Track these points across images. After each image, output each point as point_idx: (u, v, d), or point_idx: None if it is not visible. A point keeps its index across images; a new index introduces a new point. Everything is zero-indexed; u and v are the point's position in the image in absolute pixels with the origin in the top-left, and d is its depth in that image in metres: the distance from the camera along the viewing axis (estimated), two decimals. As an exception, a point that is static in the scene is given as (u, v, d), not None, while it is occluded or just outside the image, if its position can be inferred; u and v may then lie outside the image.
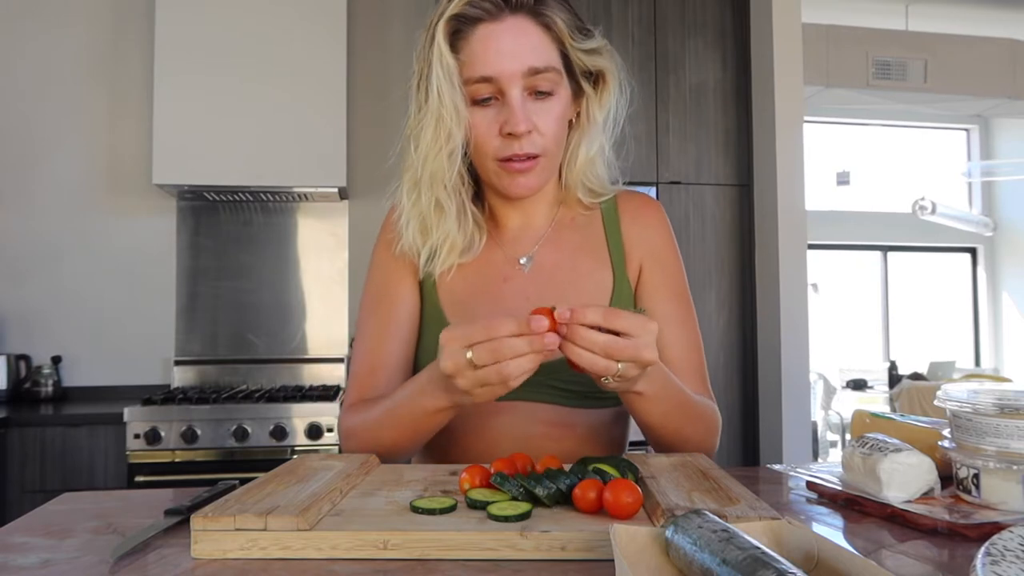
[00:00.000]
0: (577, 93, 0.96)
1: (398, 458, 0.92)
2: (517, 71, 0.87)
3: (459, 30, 0.88)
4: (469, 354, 0.73)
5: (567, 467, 0.72)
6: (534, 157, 0.91)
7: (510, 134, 0.88)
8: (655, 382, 0.82)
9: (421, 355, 1.01)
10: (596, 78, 0.97)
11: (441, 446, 0.98)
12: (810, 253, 2.90)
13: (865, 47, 4.49)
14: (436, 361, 0.80)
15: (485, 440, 0.95)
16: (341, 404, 2.51)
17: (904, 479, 0.71)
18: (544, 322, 0.72)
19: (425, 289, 1.01)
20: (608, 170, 1.03)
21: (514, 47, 0.88)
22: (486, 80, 0.88)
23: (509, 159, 0.90)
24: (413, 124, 0.94)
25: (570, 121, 0.98)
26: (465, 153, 0.93)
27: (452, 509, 0.64)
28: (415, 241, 0.97)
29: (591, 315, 0.72)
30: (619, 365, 0.73)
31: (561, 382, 0.94)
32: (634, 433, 1.10)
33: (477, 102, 0.90)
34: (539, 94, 0.90)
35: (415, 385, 0.87)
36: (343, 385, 2.99)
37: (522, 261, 1.00)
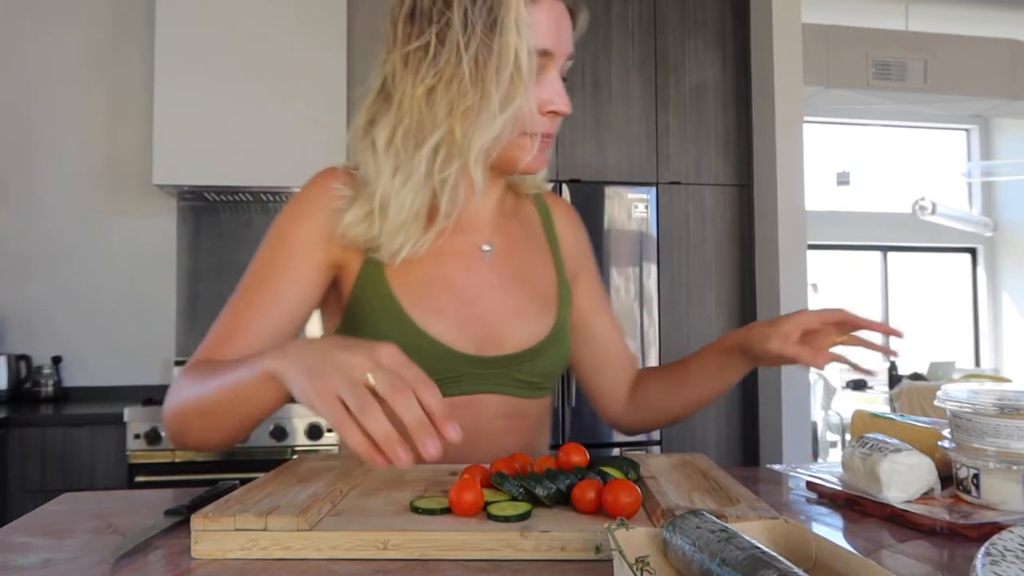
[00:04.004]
0: None
1: (212, 440, 0.79)
2: (566, 52, 0.89)
3: None
4: (371, 377, 0.61)
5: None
6: (553, 136, 0.93)
7: (553, 112, 0.89)
8: None
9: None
10: None
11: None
12: (810, 253, 2.90)
13: (865, 47, 4.49)
14: (311, 339, 0.69)
15: (442, 438, 0.88)
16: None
17: (904, 479, 0.71)
18: (434, 447, 0.59)
19: (367, 277, 0.90)
20: None
21: (567, 30, 0.90)
22: (543, 54, 0.87)
23: (540, 135, 0.90)
24: (460, 80, 0.82)
25: None
26: None
27: (452, 509, 0.64)
28: (401, 227, 0.85)
29: None
30: None
31: (521, 372, 0.94)
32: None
33: None
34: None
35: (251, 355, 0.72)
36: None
37: (485, 248, 0.97)
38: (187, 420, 0.78)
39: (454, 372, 0.89)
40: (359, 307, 0.90)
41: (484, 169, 0.87)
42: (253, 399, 0.72)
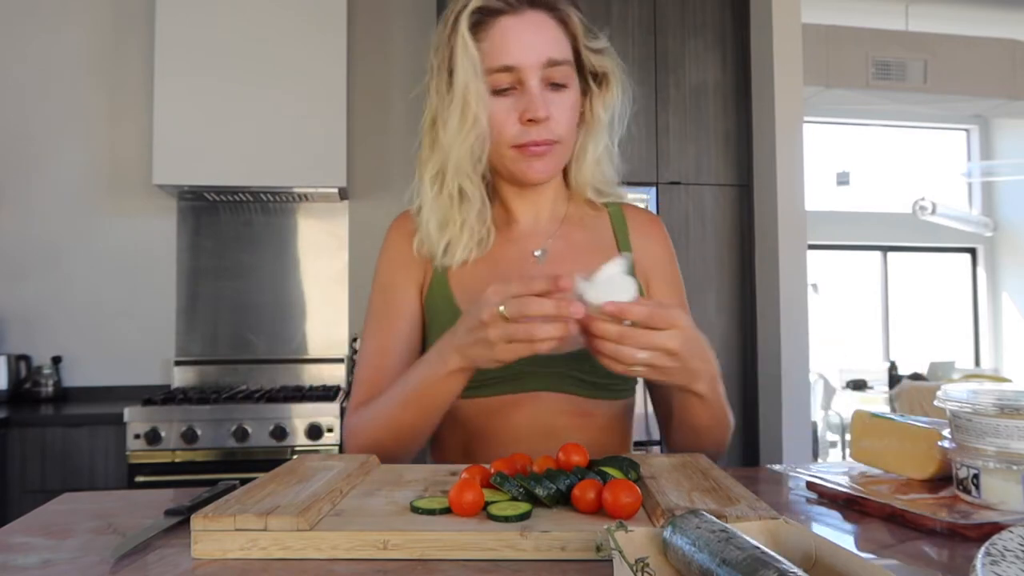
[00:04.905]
0: (584, 91, 1.00)
1: (408, 446, 0.93)
2: (537, 62, 0.92)
3: (480, 22, 0.93)
4: (502, 308, 0.75)
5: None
6: (551, 143, 0.95)
7: (530, 120, 0.92)
8: (712, 386, 0.85)
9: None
10: (600, 78, 1.01)
11: (462, 442, 0.98)
12: (810, 253, 2.90)
13: (865, 47, 4.49)
14: (452, 329, 0.84)
15: (508, 434, 0.96)
16: (342, 406, 2.51)
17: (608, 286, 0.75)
18: (576, 308, 0.74)
19: (435, 286, 1.02)
20: (615, 171, 1.07)
21: (535, 39, 0.93)
22: (507, 70, 0.92)
23: (526, 145, 0.94)
24: (437, 114, 0.96)
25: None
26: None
27: (452, 509, 0.64)
28: (433, 234, 0.99)
29: (607, 307, 0.75)
30: (642, 354, 0.75)
31: (582, 372, 0.96)
32: (635, 432, 1.11)
33: (496, 92, 0.93)
34: (554, 85, 0.94)
35: (424, 360, 0.89)
36: (343, 385, 2.99)
37: (536, 253, 1.03)
38: (381, 443, 0.92)
39: (511, 370, 0.92)
40: (430, 314, 1.02)
41: (473, 183, 0.97)
42: (443, 392, 0.87)
